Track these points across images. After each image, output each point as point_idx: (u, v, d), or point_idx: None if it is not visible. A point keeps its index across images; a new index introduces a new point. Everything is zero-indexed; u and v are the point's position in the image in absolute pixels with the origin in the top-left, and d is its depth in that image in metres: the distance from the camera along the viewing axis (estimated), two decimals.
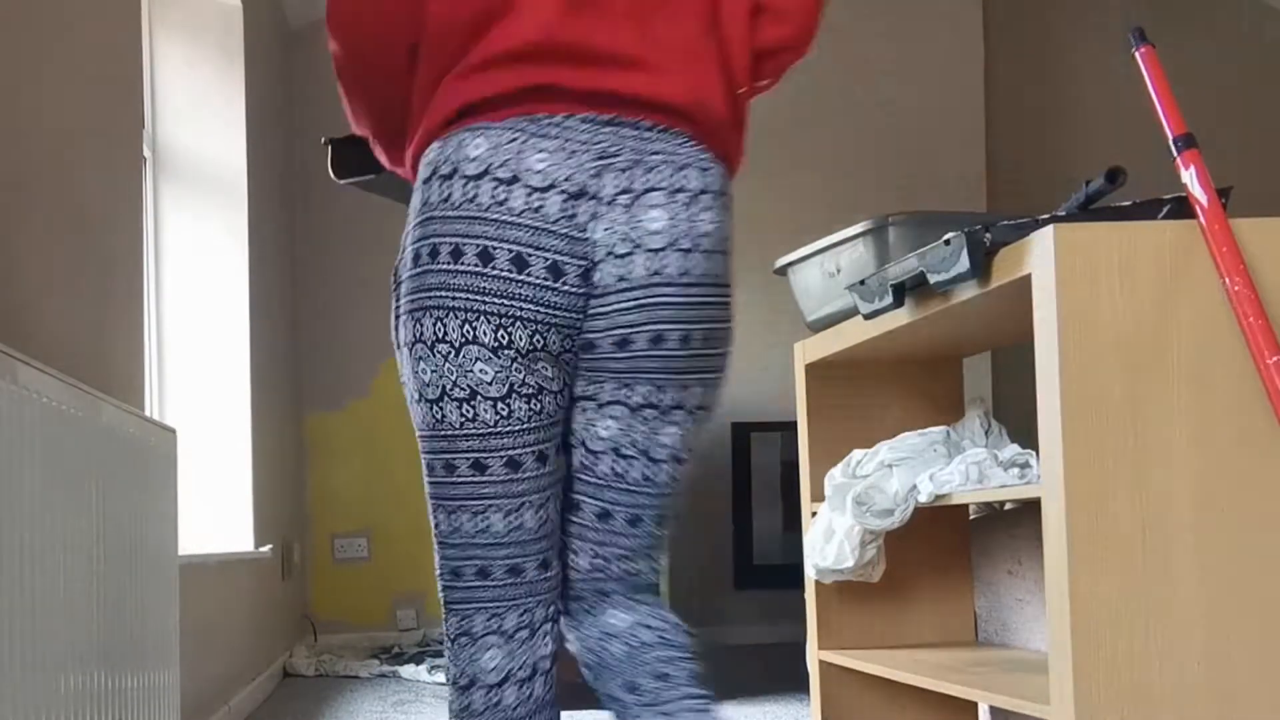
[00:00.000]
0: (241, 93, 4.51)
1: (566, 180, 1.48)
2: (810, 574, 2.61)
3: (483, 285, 1.47)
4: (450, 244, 1.48)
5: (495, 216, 1.47)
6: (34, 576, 1.66)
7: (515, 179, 1.47)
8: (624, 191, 1.50)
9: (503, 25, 1.49)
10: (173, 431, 2.72)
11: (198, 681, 3.33)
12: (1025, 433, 2.22)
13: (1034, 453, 2.09)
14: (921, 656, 2.50)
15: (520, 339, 1.48)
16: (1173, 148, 1.84)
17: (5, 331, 2.01)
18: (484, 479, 1.55)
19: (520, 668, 1.56)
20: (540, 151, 1.48)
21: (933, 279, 2.01)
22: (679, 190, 1.57)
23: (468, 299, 1.47)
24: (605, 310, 1.51)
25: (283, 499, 5.35)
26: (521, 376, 1.50)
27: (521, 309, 1.47)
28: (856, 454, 2.48)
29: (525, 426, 1.52)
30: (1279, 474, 1.80)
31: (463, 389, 1.50)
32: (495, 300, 1.47)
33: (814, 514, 2.60)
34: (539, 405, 1.52)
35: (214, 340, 4.43)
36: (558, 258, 1.48)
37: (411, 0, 1.52)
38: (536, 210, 1.47)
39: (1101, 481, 1.77)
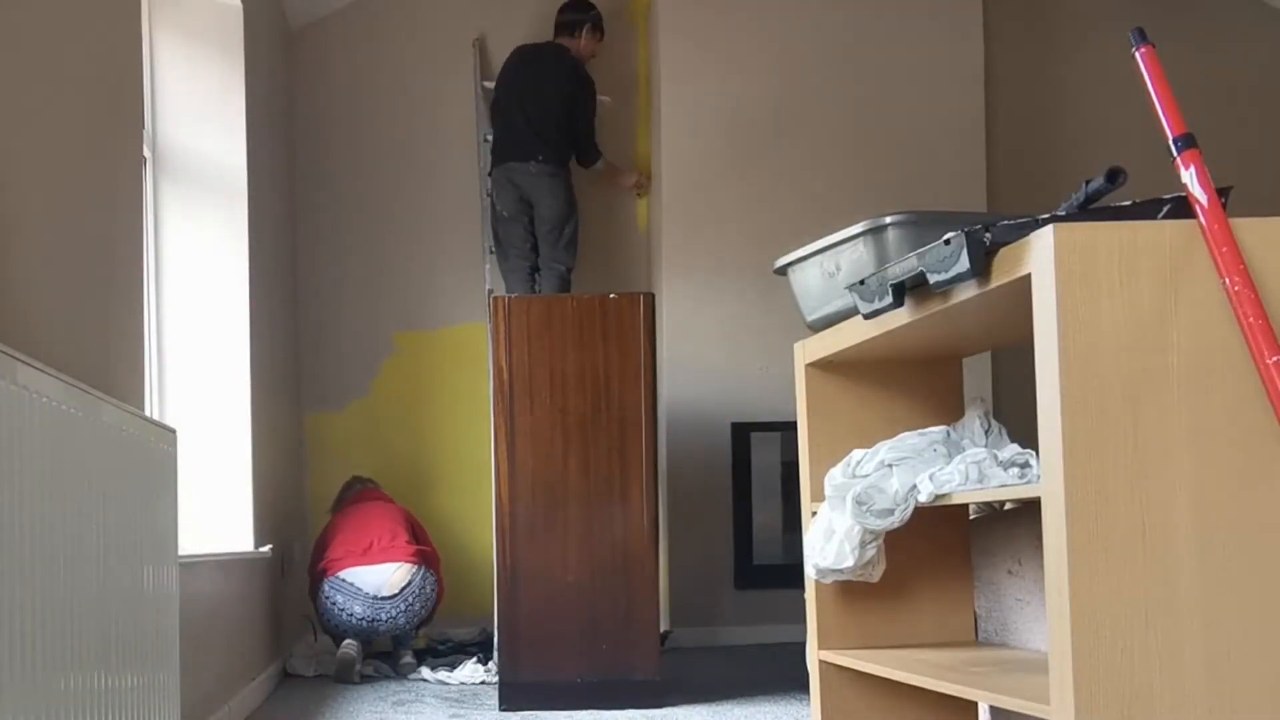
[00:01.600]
0: (241, 93, 4.51)
1: None
2: (810, 574, 2.61)
3: None
4: None
5: None
6: (34, 576, 1.66)
7: None
8: None
9: None
10: (173, 431, 2.72)
11: (198, 681, 3.33)
12: (1025, 433, 2.22)
13: (1034, 453, 2.09)
14: (921, 656, 2.50)
15: None
16: (1172, 148, 1.84)
17: (5, 331, 2.01)
18: None
19: None
20: None
21: (933, 279, 2.01)
22: None
23: None
24: None
25: (283, 499, 5.35)
26: None
27: None
28: (856, 454, 2.48)
29: None
30: (1279, 474, 1.80)
31: None
32: None
33: (814, 514, 2.60)
34: None
35: (214, 340, 4.43)
36: None
37: None
38: None
39: (1101, 481, 1.77)
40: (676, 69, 6.12)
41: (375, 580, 4.92)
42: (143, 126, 3.85)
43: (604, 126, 6.22)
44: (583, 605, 4.18)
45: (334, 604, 4.93)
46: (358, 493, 5.44)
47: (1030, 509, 2.43)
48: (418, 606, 4.97)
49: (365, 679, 4.89)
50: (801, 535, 2.68)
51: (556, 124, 5.68)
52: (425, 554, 5.08)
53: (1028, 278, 1.83)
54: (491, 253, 5.92)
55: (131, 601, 2.24)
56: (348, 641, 4.92)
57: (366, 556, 4.96)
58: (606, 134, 6.24)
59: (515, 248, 5.68)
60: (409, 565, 4.96)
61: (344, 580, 4.93)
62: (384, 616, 4.92)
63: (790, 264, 2.65)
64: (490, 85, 5.93)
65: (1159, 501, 1.78)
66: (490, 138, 5.85)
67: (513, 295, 4.56)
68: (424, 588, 4.98)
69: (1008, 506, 2.69)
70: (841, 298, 2.46)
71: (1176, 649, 1.77)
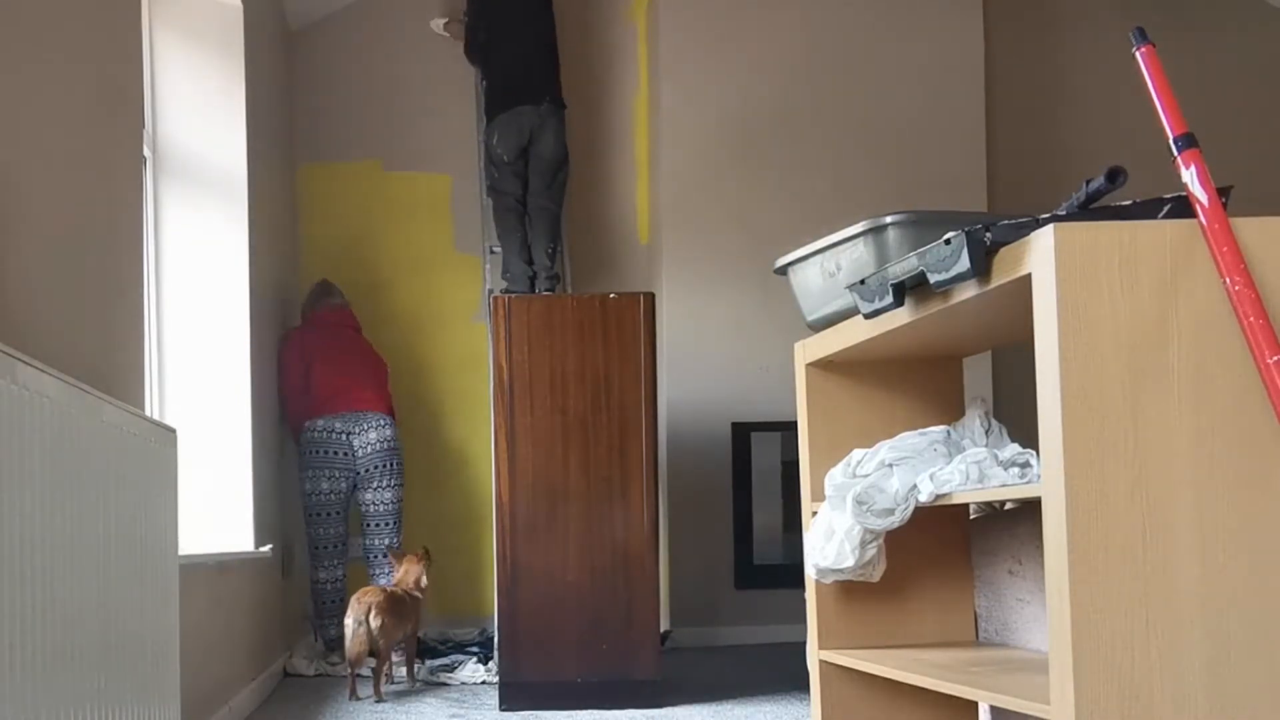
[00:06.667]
0: (242, 93, 4.51)
1: None
2: (810, 574, 2.61)
3: None
4: None
5: None
6: (34, 576, 1.66)
7: None
8: None
9: None
10: (173, 431, 2.72)
11: (198, 681, 3.32)
12: (1025, 433, 2.22)
13: (1034, 452, 2.09)
14: (921, 656, 2.50)
15: None
16: (1173, 147, 1.84)
17: (5, 331, 2.01)
18: None
19: None
20: None
21: (933, 278, 2.01)
22: None
23: None
24: None
25: (283, 499, 5.35)
26: None
27: None
28: (857, 454, 2.48)
29: None
30: (1279, 474, 1.80)
31: None
32: None
33: (814, 514, 2.59)
34: None
35: (214, 340, 4.43)
36: None
37: None
38: None
39: (1101, 481, 1.77)
40: (677, 68, 6.12)
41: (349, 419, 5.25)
42: (143, 126, 3.85)
43: (604, 124, 6.22)
44: (583, 605, 4.18)
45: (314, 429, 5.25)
46: (321, 311, 5.50)
47: (1030, 509, 2.43)
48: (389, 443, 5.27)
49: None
50: (801, 535, 2.68)
51: (555, 60, 5.75)
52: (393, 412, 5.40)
53: (1028, 277, 1.83)
54: (493, 252, 5.91)
55: (131, 601, 2.24)
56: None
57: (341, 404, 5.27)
58: (607, 131, 6.24)
59: (510, 193, 5.68)
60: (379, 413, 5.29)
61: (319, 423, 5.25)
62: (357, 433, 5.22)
63: (790, 264, 2.65)
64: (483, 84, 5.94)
65: (1159, 501, 1.78)
66: (484, 84, 5.84)
67: (513, 295, 4.56)
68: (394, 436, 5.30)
69: (1008, 506, 2.69)
70: (841, 298, 2.46)
71: (1176, 649, 1.77)
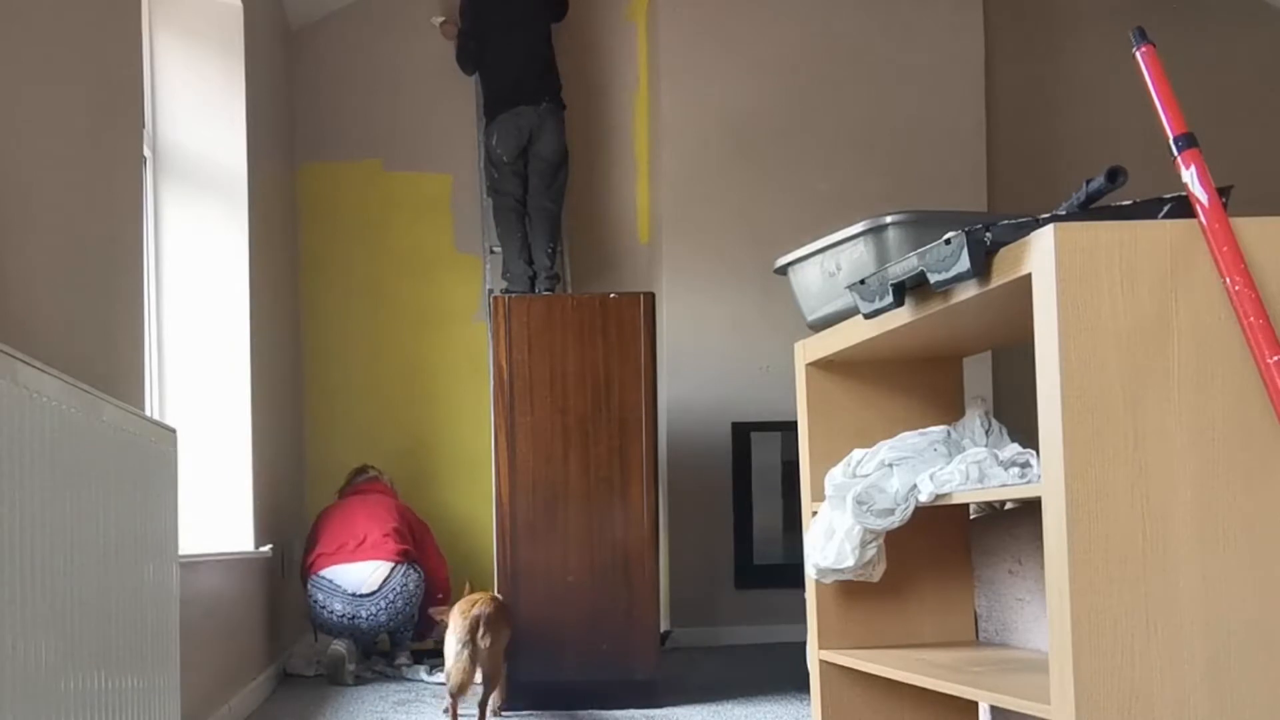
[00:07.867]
0: (242, 93, 4.51)
1: None
2: (810, 574, 2.61)
3: None
4: None
5: None
6: (34, 576, 1.66)
7: None
8: None
9: None
10: (173, 431, 2.72)
11: (198, 681, 3.32)
12: (1025, 433, 2.22)
13: (1034, 452, 2.09)
14: (921, 656, 2.50)
15: None
16: (1173, 147, 1.84)
17: (5, 331, 2.01)
18: None
19: None
20: None
21: (933, 278, 2.01)
22: None
23: None
24: None
25: (283, 499, 5.34)
26: None
27: None
28: (857, 453, 2.48)
29: None
30: (1279, 474, 1.80)
31: None
32: None
33: (814, 514, 2.60)
34: None
35: (214, 340, 4.42)
36: None
37: None
38: None
39: (1101, 481, 1.77)
40: (676, 68, 6.12)
41: (355, 578, 4.90)
42: (143, 126, 3.85)
43: (603, 124, 6.22)
44: (583, 605, 4.18)
45: (316, 601, 4.93)
46: (356, 485, 5.43)
47: (1030, 509, 2.43)
48: (400, 604, 4.93)
49: (360, 680, 4.88)
50: (801, 535, 2.68)
51: (553, 62, 5.78)
52: (409, 553, 5.04)
53: (1028, 277, 1.83)
54: (493, 252, 5.92)
55: (131, 601, 2.24)
56: (337, 641, 4.90)
57: (348, 554, 4.95)
58: (607, 131, 6.24)
59: (510, 193, 5.69)
60: (389, 563, 4.92)
61: (325, 578, 4.92)
62: (364, 614, 4.89)
63: (790, 264, 2.65)
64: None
65: (1159, 501, 1.78)
66: (482, 86, 5.86)
67: (513, 295, 4.56)
68: (405, 585, 4.93)
69: (1008, 506, 2.69)
70: (842, 297, 2.46)
71: (1176, 649, 1.77)
